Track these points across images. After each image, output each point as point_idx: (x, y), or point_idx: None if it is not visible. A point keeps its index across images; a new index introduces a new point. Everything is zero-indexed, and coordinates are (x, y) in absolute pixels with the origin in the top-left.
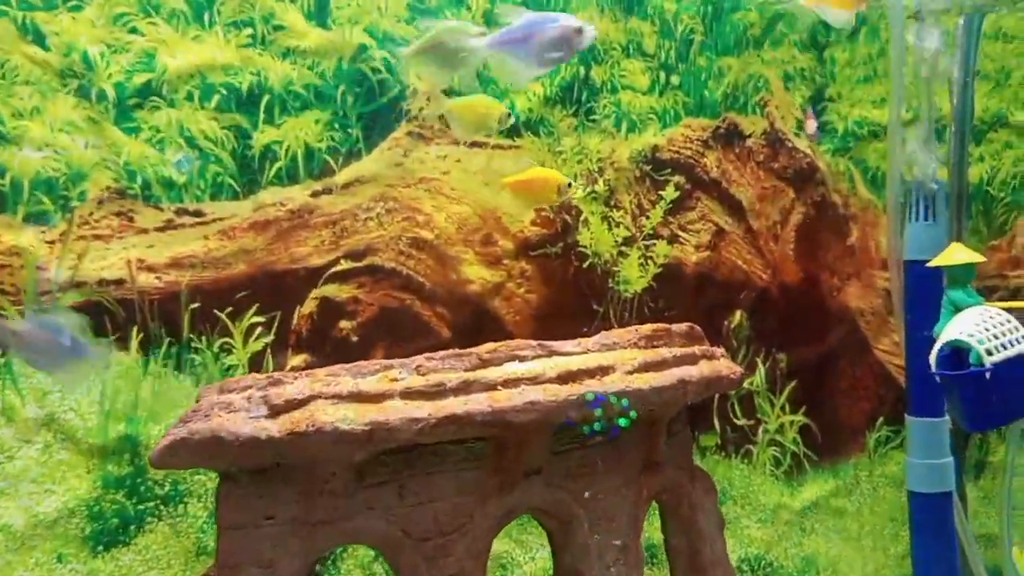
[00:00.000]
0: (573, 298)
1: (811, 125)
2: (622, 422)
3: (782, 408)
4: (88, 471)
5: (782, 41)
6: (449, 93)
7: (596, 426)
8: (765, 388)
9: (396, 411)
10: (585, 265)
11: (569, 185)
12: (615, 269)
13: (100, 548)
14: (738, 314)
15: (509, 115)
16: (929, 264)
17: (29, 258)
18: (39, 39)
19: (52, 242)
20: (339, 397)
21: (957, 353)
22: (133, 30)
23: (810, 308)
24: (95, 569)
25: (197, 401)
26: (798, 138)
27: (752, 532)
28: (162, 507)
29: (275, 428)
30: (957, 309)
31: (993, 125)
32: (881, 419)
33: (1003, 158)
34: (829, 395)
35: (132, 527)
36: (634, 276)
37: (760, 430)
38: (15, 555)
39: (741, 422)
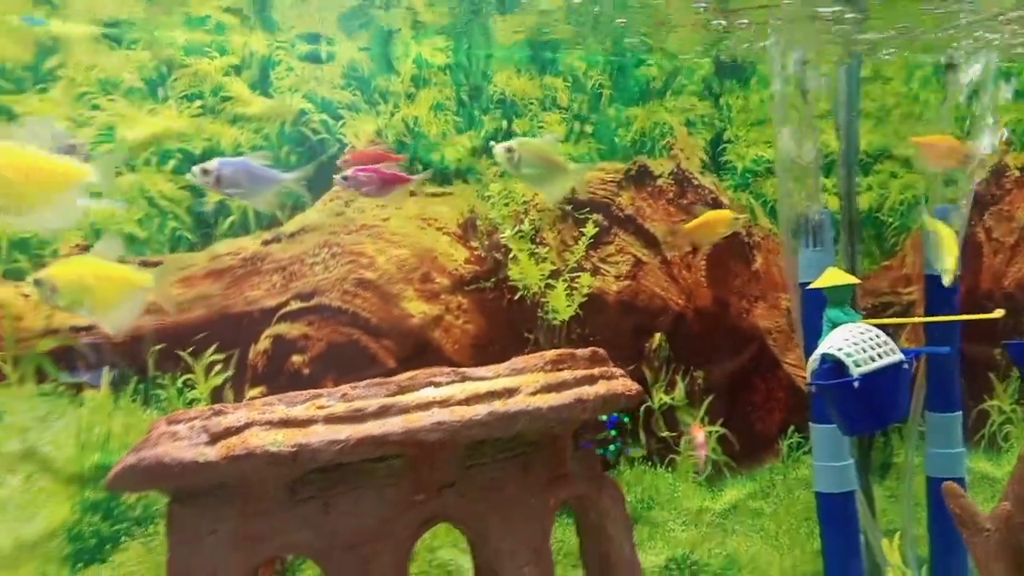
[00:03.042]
0: (506, 328)
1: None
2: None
3: (701, 420)
4: (67, 497)
5: (682, 91)
6: None
7: (611, 448)
8: (685, 403)
9: (319, 434)
10: (516, 297)
11: (736, 219)
12: (544, 300)
13: (80, 566)
14: (658, 336)
15: (736, 219)
16: (809, 287)
17: (7, 310)
18: (12, 118)
19: (27, 295)
20: (271, 424)
21: (839, 366)
22: (95, 107)
23: (723, 329)
24: None
25: (149, 431)
26: (703, 176)
27: (678, 534)
28: (135, 527)
29: (213, 453)
30: (834, 325)
31: (878, 158)
32: (792, 427)
33: (890, 187)
34: (744, 407)
35: (108, 546)
36: (561, 306)
37: (682, 441)
38: (4, 573)
39: (665, 434)
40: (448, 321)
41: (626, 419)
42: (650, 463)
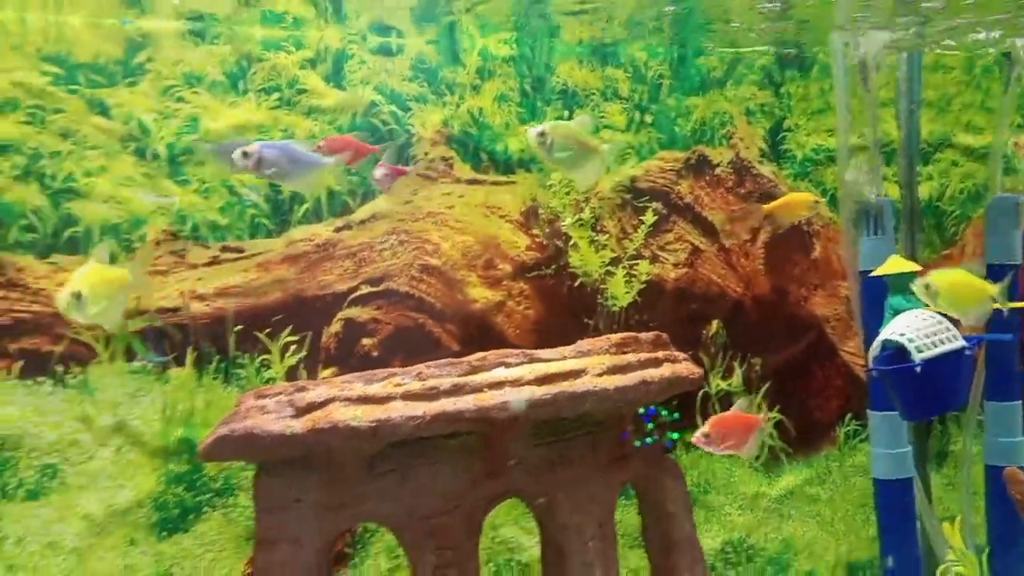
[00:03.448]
0: (567, 313)
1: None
2: (674, 435)
3: (758, 406)
4: (153, 469)
5: (742, 80)
6: None
7: (648, 440)
8: (742, 389)
9: (397, 410)
10: (576, 284)
11: (817, 202)
12: (603, 287)
13: (164, 534)
14: (715, 323)
15: (816, 202)
16: (871, 274)
17: None
18: (104, 111)
19: None
20: (351, 400)
21: (900, 352)
22: (180, 99)
23: (780, 316)
24: (161, 551)
25: (237, 406)
26: (762, 165)
27: (734, 518)
28: (216, 499)
29: (299, 426)
30: (896, 312)
31: (939, 147)
32: (849, 415)
33: (951, 176)
34: (801, 394)
35: (191, 516)
36: (620, 292)
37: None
38: (96, 539)
39: None
40: (510, 307)
41: (664, 412)
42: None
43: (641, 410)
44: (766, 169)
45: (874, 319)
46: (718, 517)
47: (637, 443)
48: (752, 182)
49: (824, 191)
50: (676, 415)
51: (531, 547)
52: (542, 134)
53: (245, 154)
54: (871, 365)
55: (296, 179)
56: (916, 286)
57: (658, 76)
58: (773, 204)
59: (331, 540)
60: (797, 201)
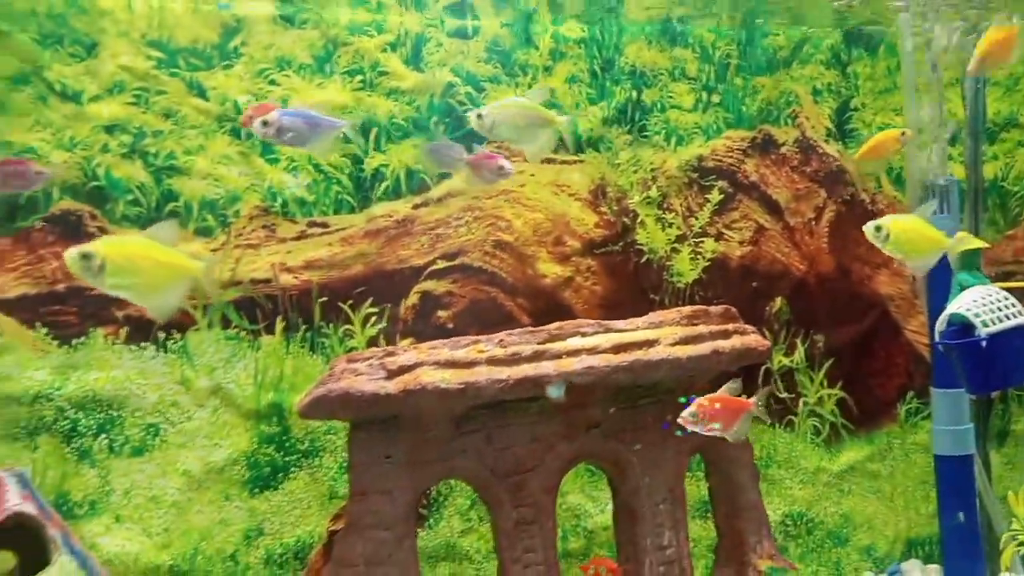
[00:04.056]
0: (633, 289)
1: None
2: (715, 425)
3: (820, 383)
4: (246, 430)
5: (809, 60)
6: None
7: (689, 430)
8: (805, 365)
9: (483, 374)
10: (643, 260)
11: (904, 133)
12: (669, 263)
13: (256, 490)
14: (779, 300)
15: (904, 133)
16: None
17: None
18: (201, 92)
19: (215, 250)
20: (439, 364)
21: (966, 328)
22: (272, 81)
23: (844, 294)
24: (253, 506)
25: (331, 369)
26: (827, 144)
27: (795, 492)
28: (303, 459)
29: (391, 387)
30: (963, 288)
31: (1005, 127)
32: (911, 393)
33: (1016, 156)
34: (863, 371)
35: (280, 475)
36: (686, 269)
37: (801, 403)
38: (194, 493)
39: (784, 395)
40: (578, 282)
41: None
42: (769, 423)
43: (682, 399)
44: (832, 148)
45: (939, 298)
46: (779, 490)
47: (679, 432)
48: (818, 161)
49: (890, 169)
50: (716, 405)
51: (596, 514)
52: (479, 116)
53: (265, 123)
54: (937, 339)
55: (314, 143)
56: (867, 228)
57: (725, 56)
58: (862, 150)
59: (418, 494)
60: (884, 140)
